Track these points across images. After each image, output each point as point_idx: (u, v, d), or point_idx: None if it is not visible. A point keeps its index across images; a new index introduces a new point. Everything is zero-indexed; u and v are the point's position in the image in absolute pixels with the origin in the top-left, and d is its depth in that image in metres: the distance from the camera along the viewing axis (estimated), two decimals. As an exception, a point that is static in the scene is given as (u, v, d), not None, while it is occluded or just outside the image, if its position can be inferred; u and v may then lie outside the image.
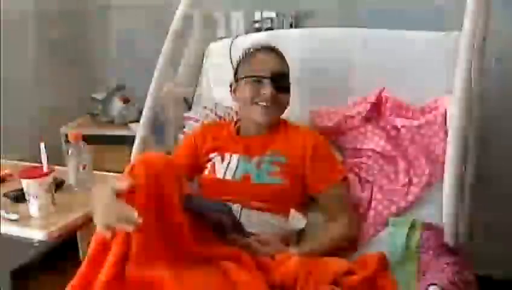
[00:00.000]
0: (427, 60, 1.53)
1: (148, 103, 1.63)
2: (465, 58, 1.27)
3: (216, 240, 1.22)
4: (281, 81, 1.41)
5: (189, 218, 1.17)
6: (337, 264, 1.27)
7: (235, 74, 1.50)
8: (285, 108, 1.47)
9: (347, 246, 1.36)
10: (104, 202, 1.06)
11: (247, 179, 1.36)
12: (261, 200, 1.29)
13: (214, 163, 1.41)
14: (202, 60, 1.86)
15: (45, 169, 1.31)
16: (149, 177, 1.11)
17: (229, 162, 1.39)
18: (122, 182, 1.08)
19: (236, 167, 1.38)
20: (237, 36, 1.85)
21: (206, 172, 1.40)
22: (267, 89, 1.39)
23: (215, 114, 1.68)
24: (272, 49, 1.47)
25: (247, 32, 2.17)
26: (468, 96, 1.27)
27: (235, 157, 1.40)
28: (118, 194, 1.08)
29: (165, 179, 1.13)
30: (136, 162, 1.15)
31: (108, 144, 2.17)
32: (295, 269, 1.18)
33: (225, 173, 1.38)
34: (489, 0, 1.40)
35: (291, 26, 2.16)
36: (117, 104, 2.29)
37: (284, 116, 1.51)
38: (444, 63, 1.49)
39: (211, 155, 1.44)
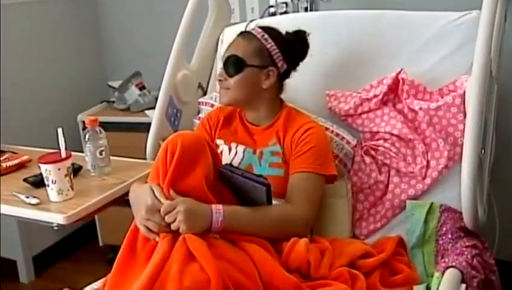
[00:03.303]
0: (446, 40, 1.50)
1: (163, 89, 1.64)
2: (484, 38, 1.25)
3: None
4: (228, 65, 1.41)
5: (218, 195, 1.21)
6: (354, 247, 1.28)
7: None
8: (243, 90, 1.41)
9: (292, 231, 1.25)
10: (146, 204, 1.14)
11: (249, 170, 1.36)
12: None
13: (221, 152, 1.42)
14: (217, 45, 1.85)
15: (63, 154, 1.32)
16: (184, 149, 1.15)
17: (235, 153, 1.41)
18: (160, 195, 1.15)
19: (241, 159, 1.40)
20: (252, 21, 1.84)
21: None
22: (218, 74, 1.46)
23: (231, 99, 1.67)
24: (243, 34, 1.47)
25: (262, 16, 2.16)
26: (487, 77, 1.25)
27: (240, 148, 1.42)
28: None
29: (199, 152, 1.18)
30: (169, 139, 1.18)
31: (125, 131, 2.19)
32: (304, 253, 1.18)
33: (230, 162, 1.39)
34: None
35: (306, 10, 2.14)
36: (133, 91, 2.30)
37: (300, 99, 1.50)
38: (463, 44, 1.46)
39: (219, 142, 1.46)
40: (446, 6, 1.56)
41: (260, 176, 1.22)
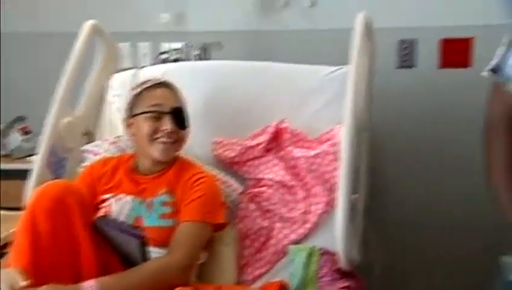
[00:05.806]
0: (322, 92, 1.61)
1: (46, 135, 1.56)
2: (352, 92, 1.36)
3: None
4: (180, 117, 1.41)
5: (95, 245, 1.20)
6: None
7: (130, 109, 1.46)
8: (184, 144, 1.46)
9: (170, 280, 1.22)
10: None
11: (139, 221, 1.34)
12: (153, 241, 1.27)
13: (110, 204, 1.38)
14: (105, 91, 1.82)
15: None
16: (48, 207, 1.15)
17: (124, 203, 1.37)
18: (19, 281, 1.10)
19: (130, 209, 1.36)
20: (143, 67, 1.84)
21: (102, 212, 1.37)
22: (167, 125, 1.38)
23: (118, 147, 1.64)
24: (168, 85, 1.46)
25: (154, 63, 2.16)
26: (356, 127, 1.35)
27: (129, 198, 1.38)
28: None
29: (67, 204, 1.18)
30: (34, 195, 1.17)
31: (5, 179, 2.04)
32: None
33: (119, 214, 1.35)
34: (373, 38, 1.52)
35: (199, 56, 2.18)
36: (16, 137, 2.18)
37: (186, 146, 1.51)
38: (336, 96, 1.57)
39: (106, 196, 1.41)
40: (327, 60, 1.66)
41: (136, 227, 1.20)
